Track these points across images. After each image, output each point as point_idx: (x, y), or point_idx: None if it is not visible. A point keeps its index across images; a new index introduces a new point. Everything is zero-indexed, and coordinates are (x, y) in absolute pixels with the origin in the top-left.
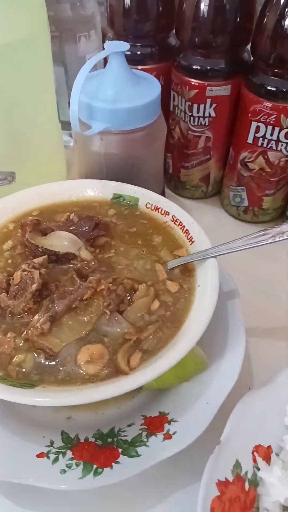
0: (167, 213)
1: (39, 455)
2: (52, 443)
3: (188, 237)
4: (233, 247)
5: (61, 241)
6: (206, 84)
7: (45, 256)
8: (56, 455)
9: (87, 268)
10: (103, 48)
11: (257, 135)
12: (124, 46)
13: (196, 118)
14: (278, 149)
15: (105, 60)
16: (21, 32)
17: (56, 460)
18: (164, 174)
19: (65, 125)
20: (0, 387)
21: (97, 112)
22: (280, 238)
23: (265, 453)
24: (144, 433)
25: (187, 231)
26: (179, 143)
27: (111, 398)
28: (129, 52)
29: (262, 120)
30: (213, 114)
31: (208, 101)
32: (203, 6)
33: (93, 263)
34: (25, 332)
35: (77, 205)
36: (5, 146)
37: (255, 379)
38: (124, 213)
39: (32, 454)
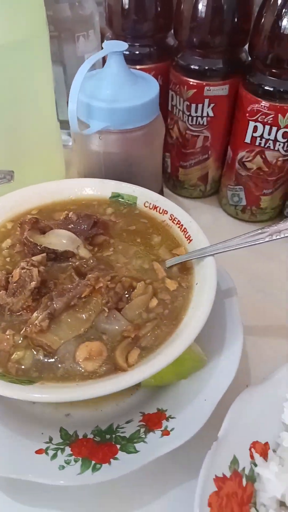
0: (165, 212)
1: (38, 451)
2: (50, 439)
3: (186, 235)
4: (231, 246)
5: (60, 239)
6: (204, 84)
7: (44, 254)
8: (55, 451)
9: (85, 266)
10: (102, 48)
11: (254, 134)
12: (123, 45)
13: (194, 118)
14: (276, 148)
15: (104, 60)
16: (20, 32)
17: (54, 456)
18: (162, 173)
19: (64, 124)
20: None
21: (96, 111)
22: (277, 237)
23: (262, 449)
24: (142, 430)
25: (185, 230)
26: (177, 142)
27: (110, 395)
28: (127, 52)
29: (259, 119)
30: (211, 114)
31: (206, 100)
32: (201, 7)
33: (91, 261)
34: (24, 330)
35: (76, 203)
36: (4, 145)
37: (253, 377)
38: (123, 212)
39: (31, 451)
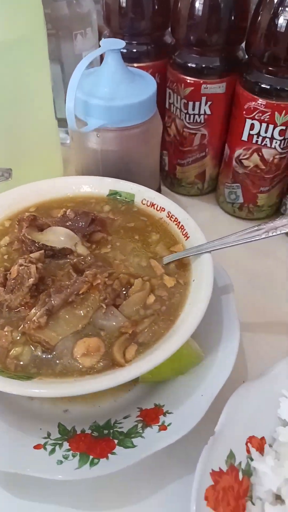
0: (163, 209)
1: (36, 447)
2: (49, 435)
3: (183, 232)
4: (228, 242)
5: (58, 236)
6: (201, 81)
7: (42, 251)
8: (53, 447)
9: (83, 263)
10: (100, 46)
11: (251, 132)
12: (120, 43)
13: (192, 116)
14: (273, 146)
15: (102, 58)
16: (17, 30)
17: (53, 451)
18: (160, 171)
19: (62, 122)
20: None
21: (93, 109)
22: (273, 233)
23: (258, 444)
24: (139, 425)
25: (182, 227)
26: (175, 140)
27: (108, 391)
28: (125, 50)
29: (256, 117)
30: (208, 112)
31: (203, 98)
32: (198, 5)
33: (89, 258)
34: (22, 326)
35: (74, 201)
36: (2, 143)
37: (250, 373)
38: (121, 209)
39: (29, 446)
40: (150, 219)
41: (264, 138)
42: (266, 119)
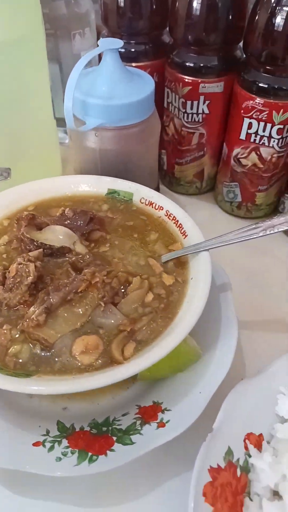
0: (161, 208)
1: (35, 444)
2: (48, 432)
3: (182, 231)
4: (225, 240)
5: (56, 235)
6: (199, 81)
7: (40, 250)
8: (52, 444)
9: (82, 261)
10: (98, 46)
11: (249, 131)
12: (118, 43)
13: (190, 115)
14: (270, 145)
15: (100, 57)
16: (16, 30)
17: (51, 448)
18: (159, 170)
19: (61, 122)
20: None
21: (92, 108)
22: (271, 232)
23: (256, 441)
24: (138, 422)
25: (180, 226)
26: (173, 139)
27: (106, 389)
28: (123, 50)
29: (254, 116)
30: (206, 111)
31: (202, 97)
32: (196, 4)
33: (88, 256)
34: (21, 324)
35: (72, 200)
36: (1, 143)
37: (248, 371)
38: (119, 208)
39: (28, 443)
40: (149, 218)
41: (262, 137)
42: (264, 118)
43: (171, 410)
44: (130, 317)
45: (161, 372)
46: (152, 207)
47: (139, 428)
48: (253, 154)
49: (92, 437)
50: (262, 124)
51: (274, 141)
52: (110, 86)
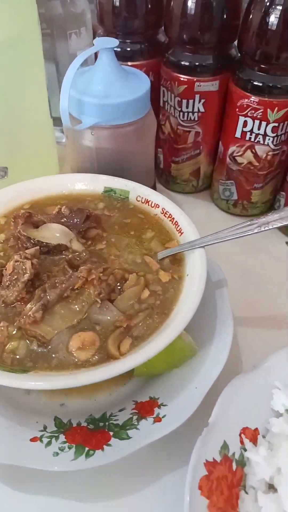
0: (157, 206)
1: (33, 439)
2: (45, 428)
3: (178, 228)
4: (221, 237)
5: (53, 233)
6: (195, 79)
7: (37, 247)
8: (49, 439)
9: (78, 259)
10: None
11: (244, 129)
12: (113, 42)
13: (186, 113)
14: (265, 143)
15: (96, 57)
16: (12, 30)
17: (49, 443)
18: (155, 169)
19: (57, 121)
20: None
21: (87, 107)
22: (265, 228)
23: (252, 435)
24: (134, 417)
25: (176, 223)
26: (169, 138)
27: (103, 385)
28: (119, 49)
29: (249, 114)
30: (202, 109)
31: (197, 96)
32: (191, 4)
33: (84, 254)
34: (18, 321)
35: (68, 198)
36: None
37: (244, 367)
38: (116, 206)
39: (25, 438)
40: (146, 216)
41: (257, 135)
42: (258, 116)
43: (167, 405)
44: (127, 314)
45: (157, 368)
46: (148, 205)
47: (136, 423)
48: (249, 152)
49: (89, 432)
50: (257, 122)
51: (269, 139)
52: (105, 85)
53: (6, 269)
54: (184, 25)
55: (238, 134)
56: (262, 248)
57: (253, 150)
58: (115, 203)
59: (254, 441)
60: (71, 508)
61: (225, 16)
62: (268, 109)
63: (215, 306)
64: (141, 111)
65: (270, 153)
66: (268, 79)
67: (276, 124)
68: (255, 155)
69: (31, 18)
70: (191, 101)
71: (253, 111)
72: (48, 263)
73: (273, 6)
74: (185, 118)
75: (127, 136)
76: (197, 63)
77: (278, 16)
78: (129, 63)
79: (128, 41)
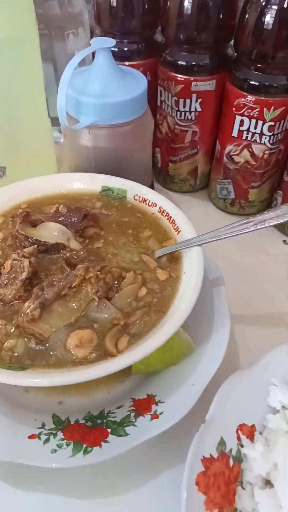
0: (155, 205)
1: (31, 436)
2: (43, 425)
3: (175, 227)
4: (217, 235)
5: (51, 232)
6: (192, 79)
7: (35, 246)
8: (47, 436)
9: (76, 257)
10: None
11: (241, 128)
12: (110, 42)
13: (183, 113)
14: (262, 142)
15: (94, 57)
16: (9, 30)
17: (47, 440)
18: (153, 168)
19: (55, 121)
20: None
21: (85, 106)
22: (262, 226)
23: (249, 431)
24: (132, 414)
25: (173, 222)
26: (166, 137)
27: (101, 383)
28: (116, 49)
29: (246, 113)
30: (199, 109)
31: (194, 96)
32: (187, 4)
33: (82, 252)
34: (16, 319)
35: (66, 198)
36: None
37: (241, 364)
38: (114, 205)
39: (24, 436)
40: (144, 215)
41: (253, 134)
42: (255, 115)
43: (165, 402)
44: (124, 311)
45: (154, 365)
46: (146, 204)
47: (133, 420)
48: (245, 151)
49: (87, 430)
50: (253, 121)
51: (265, 138)
52: (103, 85)
53: (4, 268)
54: (180, 25)
55: (235, 133)
56: (259, 246)
57: (250, 149)
58: (112, 202)
59: (251, 437)
60: (69, 505)
61: (221, 16)
62: (265, 108)
63: (212, 304)
64: (139, 111)
65: (267, 152)
66: (264, 78)
67: (273, 123)
68: (252, 154)
69: (29, 19)
70: (188, 101)
71: (250, 110)
72: (46, 261)
73: (269, 6)
74: (182, 118)
75: (124, 135)
76: (193, 63)
77: (273, 15)
78: (126, 63)
79: (125, 41)
